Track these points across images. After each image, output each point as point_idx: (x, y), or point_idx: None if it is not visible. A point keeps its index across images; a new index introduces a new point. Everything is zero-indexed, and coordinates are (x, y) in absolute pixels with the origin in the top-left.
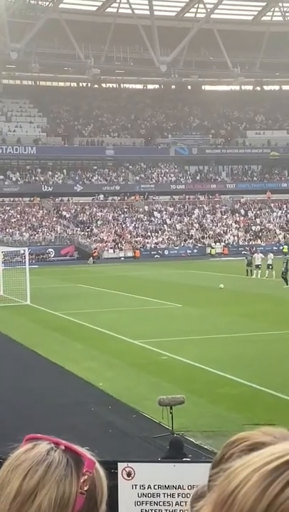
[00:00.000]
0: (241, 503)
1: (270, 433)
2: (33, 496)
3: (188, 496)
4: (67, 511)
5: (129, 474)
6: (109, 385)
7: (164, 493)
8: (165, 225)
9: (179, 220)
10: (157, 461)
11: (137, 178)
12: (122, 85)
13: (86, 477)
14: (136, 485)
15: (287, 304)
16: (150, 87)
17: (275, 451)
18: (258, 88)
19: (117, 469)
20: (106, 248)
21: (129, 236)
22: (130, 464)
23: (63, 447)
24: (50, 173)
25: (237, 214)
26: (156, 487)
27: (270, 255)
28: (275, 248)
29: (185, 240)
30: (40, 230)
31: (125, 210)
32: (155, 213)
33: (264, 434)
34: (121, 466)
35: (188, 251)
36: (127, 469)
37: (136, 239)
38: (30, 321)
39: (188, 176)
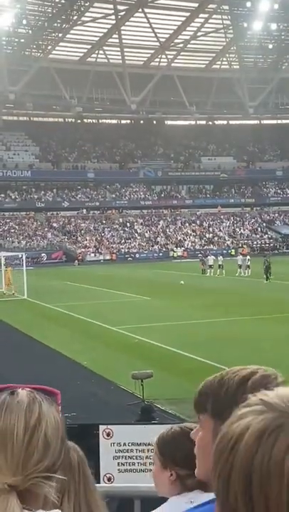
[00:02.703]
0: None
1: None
2: (39, 427)
3: None
4: (60, 432)
5: (108, 434)
6: (92, 363)
7: (137, 449)
8: (136, 234)
9: (148, 230)
10: (131, 424)
11: (113, 195)
12: (100, 120)
13: (59, 406)
14: (114, 443)
15: (234, 296)
16: (123, 122)
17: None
18: (210, 123)
19: (98, 430)
20: (88, 252)
21: (107, 243)
22: (109, 426)
23: (37, 389)
24: (42, 192)
25: (194, 224)
26: (130, 444)
27: (220, 257)
28: (224, 251)
29: (152, 246)
30: (34, 238)
31: (104, 221)
32: (128, 224)
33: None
34: (102, 427)
35: (155, 254)
36: (107, 430)
37: (113, 245)
38: (27, 312)
39: (155, 193)
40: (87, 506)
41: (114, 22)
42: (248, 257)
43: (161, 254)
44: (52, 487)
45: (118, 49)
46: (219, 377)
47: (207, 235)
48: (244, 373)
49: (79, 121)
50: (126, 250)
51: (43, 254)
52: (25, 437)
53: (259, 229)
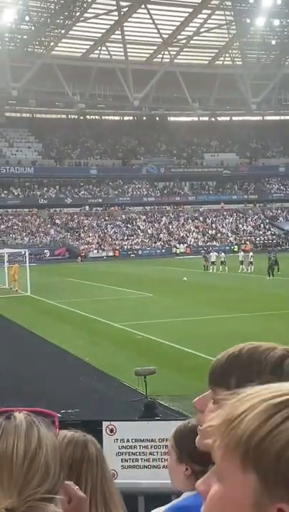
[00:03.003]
0: (246, 425)
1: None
2: (39, 451)
3: (159, 447)
4: (58, 455)
5: (111, 431)
6: (95, 359)
7: (140, 445)
8: (139, 230)
9: (150, 226)
10: (134, 420)
11: (116, 192)
12: (103, 117)
13: (56, 429)
14: (117, 439)
15: (237, 292)
16: (126, 118)
17: (282, 388)
18: (213, 119)
19: (101, 427)
20: (91, 249)
21: (110, 239)
22: (112, 422)
23: (33, 412)
24: (45, 188)
25: (197, 221)
26: (133, 441)
27: (222, 254)
28: (227, 248)
29: (155, 242)
30: (37, 235)
31: (106, 218)
32: (131, 221)
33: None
34: (105, 424)
35: (158, 251)
36: (110, 427)
37: (115, 241)
38: (30, 308)
39: (157, 190)
40: (103, 499)
41: (116, 18)
42: (251, 253)
43: (163, 250)
44: (54, 508)
45: (121, 45)
46: (247, 353)
47: (210, 232)
48: (279, 353)
49: (82, 117)
50: (129, 247)
51: (46, 251)
52: (25, 462)
53: (262, 225)
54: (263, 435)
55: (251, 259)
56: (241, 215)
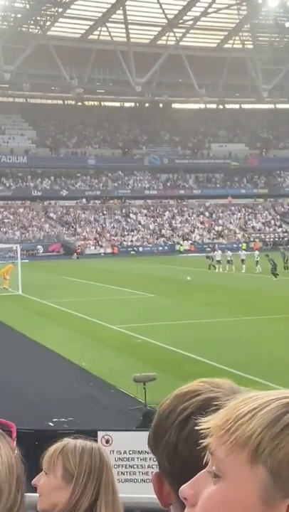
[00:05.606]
0: (259, 420)
1: (217, 386)
2: None
3: None
4: (14, 472)
5: (107, 441)
6: (91, 364)
7: (138, 458)
8: (140, 225)
9: (152, 221)
10: (132, 430)
11: (115, 184)
12: (102, 103)
13: (14, 441)
14: (113, 450)
15: (244, 294)
16: (127, 105)
17: (285, 391)
18: (221, 106)
19: (96, 437)
20: (88, 245)
21: (109, 235)
22: (108, 433)
23: None
24: (39, 179)
25: (202, 216)
26: (130, 452)
27: (229, 253)
28: (234, 246)
29: (157, 239)
30: (30, 229)
31: (105, 212)
32: (131, 215)
33: (213, 388)
34: (100, 434)
35: (160, 248)
36: (106, 437)
37: (114, 237)
38: (21, 309)
39: (160, 182)
40: (113, 499)
41: None
42: (257, 252)
43: (166, 247)
44: None
45: (123, 26)
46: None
47: (216, 228)
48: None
49: (79, 103)
50: (128, 243)
51: (39, 247)
52: None
53: (272, 222)
54: (279, 430)
55: (258, 259)
56: (250, 210)
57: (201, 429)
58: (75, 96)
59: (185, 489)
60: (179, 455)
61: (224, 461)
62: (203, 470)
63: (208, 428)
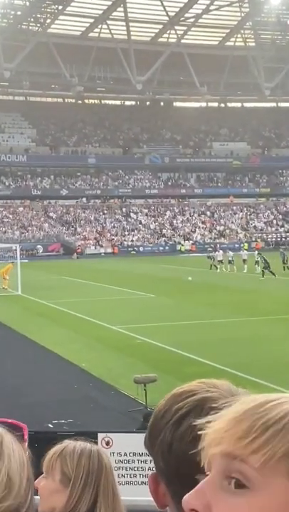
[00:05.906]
0: None
1: (214, 386)
2: (4, 460)
3: None
4: (26, 470)
5: (107, 443)
6: (91, 365)
7: (138, 460)
8: (140, 225)
9: (153, 221)
10: (132, 432)
11: (116, 183)
12: (102, 101)
13: (25, 442)
14: (114, 452)
15: (245, 294)
16: (127, 103)
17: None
18: (222, 105)
19: (97, 439)
20: (88, 245)
21: (109, 234)
22: (109, 434)
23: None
24: (39, 178)
25: (203, 215)
26: (131, 454)
27: (230, 253)
28: (236, 245)
29: (158, 238)
30: (30, 229)
31: (105, 211)
32: (131, 214)
33: (210, 388)
34: (100, 436)
35: (161, 248)
36: (106, 439)
37: (115, 237)
38: (21, 309)
39: (161, 181)
40: (114, 501)
41: None
42: (257, 252)
43: (167, 247)
44: None
45: (123, 23)
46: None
47: (218, 228)
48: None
49: (80, 101)
50: (129, 243)
51: (38, 246)
52: None
53: (274, 221)
54: None
55: (258, 259)
56: (252, 210)
57: (206, 433)
58: (75, 94)
59: (192, 501)
60: (174, 454)
61: (257, 472)
62: (208, 477)
63: (217, 432)
